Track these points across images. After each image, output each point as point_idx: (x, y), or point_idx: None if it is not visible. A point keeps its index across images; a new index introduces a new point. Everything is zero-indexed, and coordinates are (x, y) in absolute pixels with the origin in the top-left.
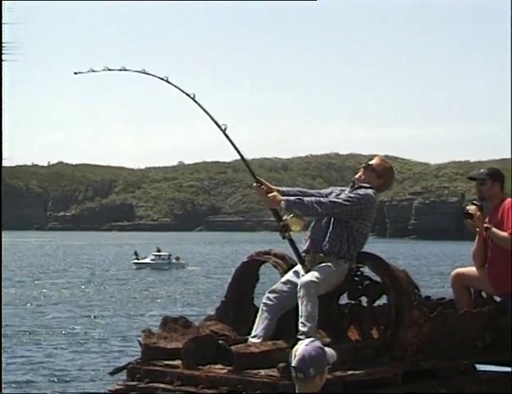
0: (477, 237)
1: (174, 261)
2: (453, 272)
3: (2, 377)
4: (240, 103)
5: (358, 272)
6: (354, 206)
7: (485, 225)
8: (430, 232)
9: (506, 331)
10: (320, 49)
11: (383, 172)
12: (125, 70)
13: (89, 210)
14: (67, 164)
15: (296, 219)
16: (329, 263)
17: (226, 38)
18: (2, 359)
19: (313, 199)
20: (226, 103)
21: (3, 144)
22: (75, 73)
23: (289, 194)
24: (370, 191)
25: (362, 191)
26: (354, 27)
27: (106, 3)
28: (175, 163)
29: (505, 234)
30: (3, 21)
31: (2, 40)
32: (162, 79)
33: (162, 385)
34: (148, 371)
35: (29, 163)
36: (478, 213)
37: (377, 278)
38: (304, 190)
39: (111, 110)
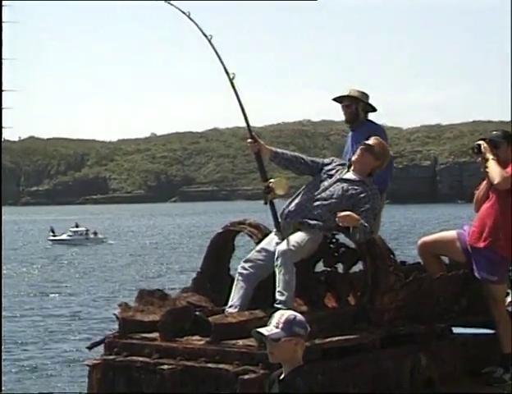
0: (484, 182)
1: (92, 236)
2: (419, 242)
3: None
4: (211, 72)
5: (334, 240)
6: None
7: (490, 156)
8: (404, 196)
9: (481, 293)
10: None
11: (381, 154)
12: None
13: (62, 184)
14: (38, 139)
15: (282, 182)
16: (304, 231)
17: None
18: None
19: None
20: (201, 75)
21: None
22: None
23: (282, 156)
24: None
25: (374, 188)
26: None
27: None
28: (147, 135)
29: (503, 171)
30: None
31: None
32: (184, 12)
33: (141, 358)
34: (126, 344)
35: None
36: (486, 145)
37: (353, 245)
38: (301, 155)
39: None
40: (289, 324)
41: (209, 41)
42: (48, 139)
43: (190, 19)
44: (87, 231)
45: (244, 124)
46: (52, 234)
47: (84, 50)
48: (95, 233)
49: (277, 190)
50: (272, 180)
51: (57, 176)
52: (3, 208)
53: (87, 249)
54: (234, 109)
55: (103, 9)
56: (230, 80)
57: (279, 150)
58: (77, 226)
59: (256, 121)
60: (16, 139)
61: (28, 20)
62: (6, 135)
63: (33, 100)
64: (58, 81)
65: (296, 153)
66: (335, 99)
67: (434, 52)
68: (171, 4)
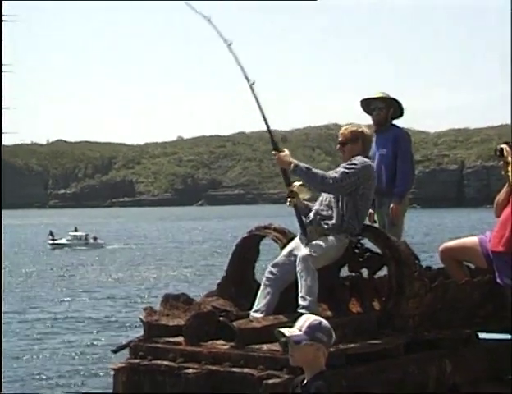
0: (505, 187)
1: (91, 241)
2: (440, 248)
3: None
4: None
5: (359, 245)
6: (351, 178)
7: None
8: (430, 200)
9: (507, 299)
10: (320, 24)
11: (353, 137)
12: None
13: (89, 187)
14: (66, 142)
15: (304, 187)
16: (330, 237)
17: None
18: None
19: (319, 171)
20: (224, 76)
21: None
22: None
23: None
24: (363, 159)
25: (356, 160)
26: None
27: None
28: (174, 138)
29: None
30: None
31: (2, 38)
32: (205, 17)
33: (165, 362)
34: (151, 348)
35: (29, 142)
36: (508, 148)
37: (378, 250)
38: (321, 173)
39: (110, 87)
40: (312, 329)
41: (229, 47)
42: (76, 143)
43: (211, 24)
44: (86, 235)
45: (271, 128)
46: (51, 238)
47: (112, 53)
48: (95, 238)
49: (301, 194)
50: (296, 183)
51: (84, 180)
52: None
53: (90, 254)
54: (259, 113)
55: (129, 12)
56: (251, 87)
57: (300, 165)
58: (76, 231)
59: (282, 125)
60: (44, 142)
61: (52, 23)
62: (34, 139)
63: (60, 103)
64: (86, 85)
65: (318, 171)
66: (366, 100)
67: (461, 55)
68: (193, 8)
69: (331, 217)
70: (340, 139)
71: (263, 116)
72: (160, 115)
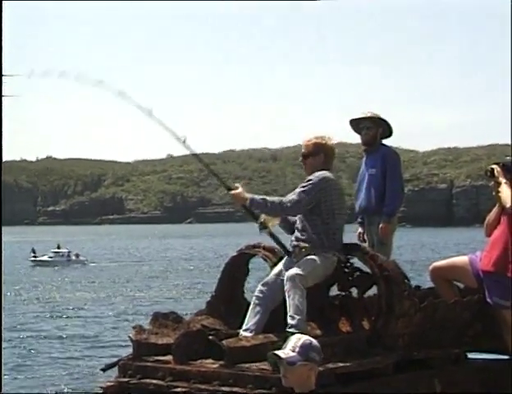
0: (495, 207)
1: (74, 258)
2: (430, 267)
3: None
4: (227, 94)
5: (348, 264)
6: (308, 195)
7: (503, 180)
8: (420, 219)
9: (496, 318)
10: (310, 40)
11: (315, 150)
12: (80, 80)
13: (79, 204)
14: (56, 159)
15: (270, 217)
16: (315, 256)
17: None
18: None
19: (275, 198)
20: (215, 94)
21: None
22: (29, 77)
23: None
24: (320, 173)
25: (313, 176)
26: (339, 19)
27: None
28: (164, 156)
29: None
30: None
31: (2, 39)
32: (118, 93)
33: (154, 381)
34: (140, 367)
35: (18, 158)
36: (499, 169)
37: (367, 269)
38: (271, 200)
39: (100, 104)
40: (305, 349)
41: (150, 114)
42: (65, 160)
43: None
44: (69, 252)
45: (259, 145)
46: (33, 255)
47: (102, 69)
48: (77, 255)
49: (270, 222)
50: (262, 215)
51: (73, 197)
52: (19, 228)
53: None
54: (249, 131)
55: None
56: (183, 144)
57: (256, 197)
58: (59, 248)
59: (273, 143)
60: (34, 159)
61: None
62: (23, 155)
63: (50, 120)
64: (75, 101)
65: (274, 198)
66: (355, 120)
67: (452, 73)
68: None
69: (308, 238)
70: (302, 150)
71: (207, 167)
72: (150, 132)
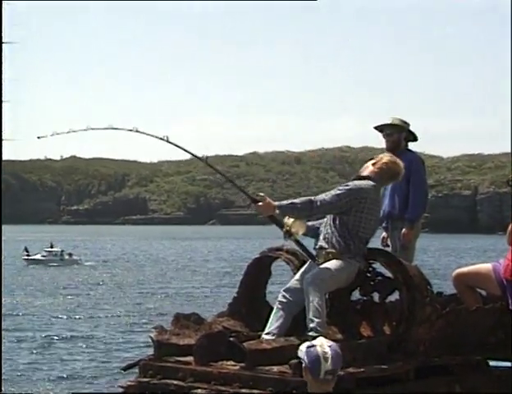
0: None
1: (67, 257)
2: (453, 273)
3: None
4: (252, 97)
5: (370, 269)
6: (341, 200)
7: None
8: (443, 225)
9: None
10: (331, 45)
11: (378, 165)
12: (91, 129)
13: (102, 204)
14: (80, 158)
15: (298, 222)
16: (339, 260)
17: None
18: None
19: (304, 199)
20: (240, 98)
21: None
22: (38, 137)
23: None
24: (361, 182)
25: (351, 183)
26: (362, 25)
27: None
28: (188, 157)
29: None
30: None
31: (2, 40)
32: (131, 130)
33: (175, 381)
34: (161, 367)
35: (43, 157)
36: None
37: (389, 274)
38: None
39: (123, 103)
40: (340, 361)
41: (168, 141)
42: (90, 159)
43: (140, 132)
44: (62, 251)
45: (283, 148)
46: (26, 253)
47: (125, 71)
48: (70, 254)
49: (295, 228)
50: (287, 221)
51: (97, 196)
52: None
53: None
54: (273, 134)
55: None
56: (207, 163)
57: (283, 203)
58: (52, 247)
59: (296, 146)
60: (58, 158)
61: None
62: (48, 154)
63: (74, 120)
64: (99, 101)
65: (302, 199)
66: (376, 127)
67: (476, 80)
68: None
69: (335, 243)
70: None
71: (233, 184)
72: (173, 133)
